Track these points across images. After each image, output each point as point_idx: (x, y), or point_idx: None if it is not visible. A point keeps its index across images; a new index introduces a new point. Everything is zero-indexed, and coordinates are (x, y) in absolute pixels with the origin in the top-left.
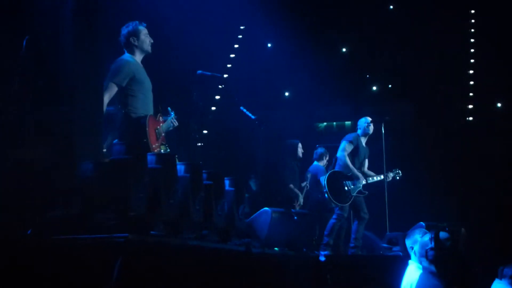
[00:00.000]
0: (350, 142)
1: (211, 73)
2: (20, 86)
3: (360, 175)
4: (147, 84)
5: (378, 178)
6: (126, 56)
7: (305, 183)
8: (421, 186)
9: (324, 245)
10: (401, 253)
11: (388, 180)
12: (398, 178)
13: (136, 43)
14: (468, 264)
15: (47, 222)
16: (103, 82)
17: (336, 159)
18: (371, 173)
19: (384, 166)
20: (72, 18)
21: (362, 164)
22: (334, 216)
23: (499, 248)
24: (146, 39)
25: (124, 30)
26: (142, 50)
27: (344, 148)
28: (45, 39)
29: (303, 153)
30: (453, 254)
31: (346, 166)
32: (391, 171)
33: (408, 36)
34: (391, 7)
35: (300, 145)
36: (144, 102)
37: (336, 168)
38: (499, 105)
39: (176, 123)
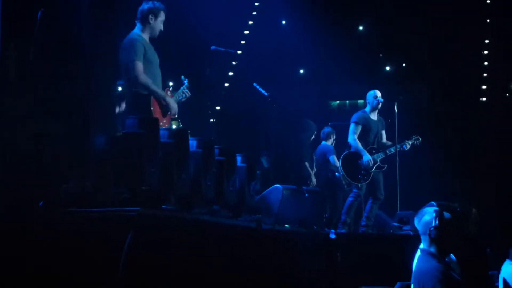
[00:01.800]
0: (356, 123)
1: (225, 49)
2: (35, 58)
3: (369, 156)
4: (155, 61)
5: (394, 149)
6: (137, 32)
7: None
8: (433, 166)
9: (341, 223)
10: (411, 232)
11: (407, 148)
12: (418, 143)
13: (151, 22)
14: (479, 244)
15: (60, 194)
16: (123, 59)
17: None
18: (390, 143)
19: (396, 145)
20: None
21: (380, 137)
22: (351, 195)
23: (511, 228)
24: (160, 25)
25: (146, 5)
26: (152, 32)
27: (353, 131)
28: (61, 13)
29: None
30: (461, 234)
31: (356, 149)
32: (410, 139)
33: (423, 16)
34: None
35: (312, 123)
36: (152, 79)
37: (352, 150)
38: None
39: (188, 93)
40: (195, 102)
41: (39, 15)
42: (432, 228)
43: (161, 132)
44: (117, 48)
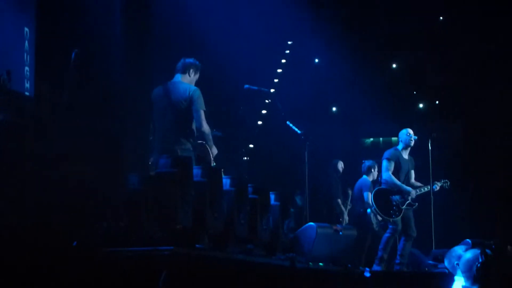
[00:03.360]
0: (388, 159)
1: (258, 88)
2: (70, 98)
3: (410, 188)
4: None
5: (426, 189)
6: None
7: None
8: (468, 203)
9: (378, 259)
10: (447, 270)
11: (436, 189)
12: (446, 187)
13: (191, 76)
14: None
15: (94, 234)
16: (196, 107)
17: (381, 178)
18: (418, 184)
19: (431, 182)
20: (122, 31)
21: (409, 176)
22: (388, 231)
23: None
24: (195, 80)
25: (188, 60)
26: (190, 82)
27: (387, 168)
28: (95, 52)
29: (343, 169)
30: (499, 272)
31: (394, 185)
32: (439, 181)
33: (457, 52)
34: (441, 18)
35: (340, 162)
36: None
37: (382, 187)
38: None
39: None
40: (229, 140)
41: (73, 55)
42: (478, 265)
43: (195, 171)
44: (150, 86)
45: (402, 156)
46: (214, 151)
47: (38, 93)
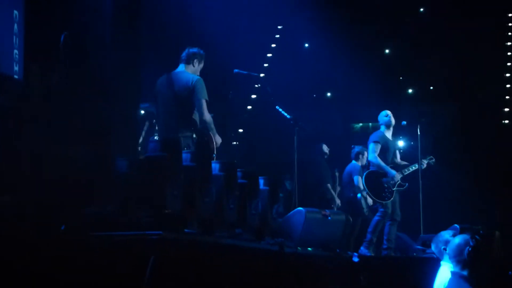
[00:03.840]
0: (376, 142)
1: (248, 72)
2: (58, 81)
3: (394, 171)
4: None
5: (414, 168)
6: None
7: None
8: (456, 188)
9: (366, 242)
10: (435, 255)
11: (423, 167)
12: (432, 164)
13: (195, 66)
14: (503, 268)
15: (83, 218)
16: (198, 96)
17: (369, 162)
18: (404, 162)
19: (419, 168)
20: (112, 14)
21: (395, 156)
22: (378, 214)
23: None
24: (199, 70)
25: (192, 49)
26: (194, 72)
27: (373, 150)
28: (85, 35)
29: (329, 152)
30: (488, 257)
31: (380, 167)
32: (425, 158)
33: (445, 39)
34: (421, 9)
35: (325, 145)
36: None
37: (371, 169)
38: None
39: None
40: (218, 125)
41: (62, 38)
42: (470, 249)
43: (184, 155)
44: (139, 70)
45: (387, 138)
46: (218, 139)
47: (27, 76)
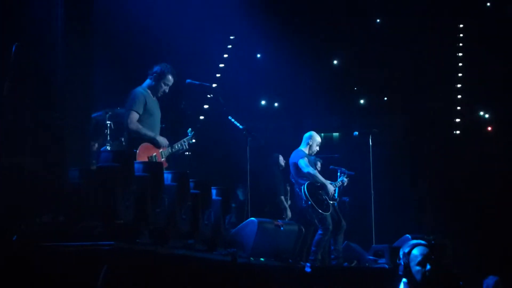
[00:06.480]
0: (303, 157)
1: (200, 82)
2: (9, 92)
3: (331, 187)
4: (156, 114)
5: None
6: (144, 86)
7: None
8: (408, 198)
9: (312, 260)
10: (387, 266)
11: (345, 183)
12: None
13: (158, 84)
14: (454, 277)
15: (34, 228)
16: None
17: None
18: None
19: (371, 179)
20: (63, 25)
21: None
22: (319, 232)
23: (484, 260)
24: (166, 88)
25: (159, 68)
26: (157, 91)
27: (306, 164)
28: (36, 46)
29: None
30: (439, 267)
31: (317, 179)
32: (344, 174)
33: (396, 50)
34: (378, 20)
35: (281, 157)
36: (149, 129)
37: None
38: (486, 115)
39: (186, 146)
40: (170, 135)
41: (13, 49)
42: (415, 264)
43: (136, 165)
44: (92, 80)
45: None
46: (161, 140)
47: None
